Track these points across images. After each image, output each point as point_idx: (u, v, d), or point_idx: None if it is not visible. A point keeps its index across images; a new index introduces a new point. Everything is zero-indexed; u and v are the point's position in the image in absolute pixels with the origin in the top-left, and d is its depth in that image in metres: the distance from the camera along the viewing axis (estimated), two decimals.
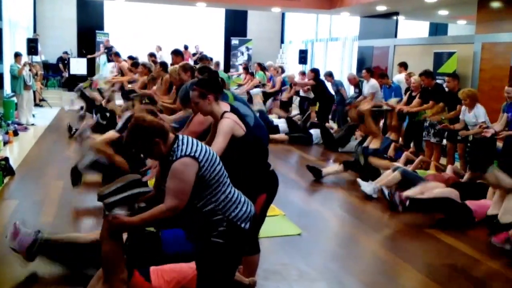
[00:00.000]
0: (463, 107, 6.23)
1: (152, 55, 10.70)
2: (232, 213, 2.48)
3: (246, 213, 2.53)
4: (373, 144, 6.55)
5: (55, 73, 16.09)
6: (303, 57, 15.02)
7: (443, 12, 11.11)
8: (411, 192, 5.26)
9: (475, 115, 6.08)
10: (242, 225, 2.49)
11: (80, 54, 16.05)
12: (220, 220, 2.46)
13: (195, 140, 2.50)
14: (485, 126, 5.79)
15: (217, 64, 11.72)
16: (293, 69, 14.95)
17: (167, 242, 3.27)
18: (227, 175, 2.55)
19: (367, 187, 5.86)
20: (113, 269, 2.69)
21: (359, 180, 6.06)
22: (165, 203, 2.42)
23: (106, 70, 15.04)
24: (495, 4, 8.50)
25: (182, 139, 2.46)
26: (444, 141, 7.15)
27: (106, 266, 2.72)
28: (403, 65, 9.68)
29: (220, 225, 2.45)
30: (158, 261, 3.13)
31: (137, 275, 2.82)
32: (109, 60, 14.21)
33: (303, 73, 12.32)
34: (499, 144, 6.11)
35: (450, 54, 9.04)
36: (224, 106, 3.24)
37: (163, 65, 7.34)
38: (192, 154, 2.39)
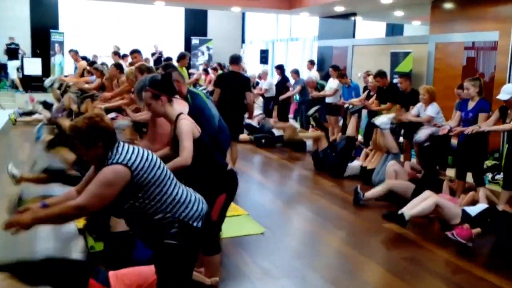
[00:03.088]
0: (419, 104, 6.36)
1: (116, 53, 10.50)
2: (182, 214, 2.44)
3: (197, 211, 2.50)
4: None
5: (7, 74, 15.50)
6: (264, 57, 15.08)
7: (399, 13, 11.41)
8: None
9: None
10: (194, 224, 2.46)
11: (34, 54, 15.54)
12: (171, 222, 2.42)
13: (131, 148, 2.41)
14: (439, 125, 5.95)
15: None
16: (254, 69, 14.98)
17: (142, 246, 3.21)
18: (171, 176, 2.49)
19: None
20: None
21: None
22: (77, 200, 2.32)
23: (61, 71, 14.63)
24: (448, 6, 8.79)
25: (123, 147, 2.39)
26: (401, 139, 7.33)
27: None
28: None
29: (172, 227, 2.41)
30: (130, 263, 3.07)
31: (93, 283, 2.72)
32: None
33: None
34: (454, 141, 6.30)
35: (406, 54, 9.28)
36: (181, 107, 3.19)
37: (118, 66, 7.17)
38: (125, 162, 2.31)
